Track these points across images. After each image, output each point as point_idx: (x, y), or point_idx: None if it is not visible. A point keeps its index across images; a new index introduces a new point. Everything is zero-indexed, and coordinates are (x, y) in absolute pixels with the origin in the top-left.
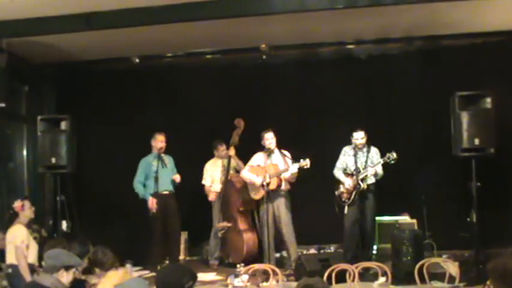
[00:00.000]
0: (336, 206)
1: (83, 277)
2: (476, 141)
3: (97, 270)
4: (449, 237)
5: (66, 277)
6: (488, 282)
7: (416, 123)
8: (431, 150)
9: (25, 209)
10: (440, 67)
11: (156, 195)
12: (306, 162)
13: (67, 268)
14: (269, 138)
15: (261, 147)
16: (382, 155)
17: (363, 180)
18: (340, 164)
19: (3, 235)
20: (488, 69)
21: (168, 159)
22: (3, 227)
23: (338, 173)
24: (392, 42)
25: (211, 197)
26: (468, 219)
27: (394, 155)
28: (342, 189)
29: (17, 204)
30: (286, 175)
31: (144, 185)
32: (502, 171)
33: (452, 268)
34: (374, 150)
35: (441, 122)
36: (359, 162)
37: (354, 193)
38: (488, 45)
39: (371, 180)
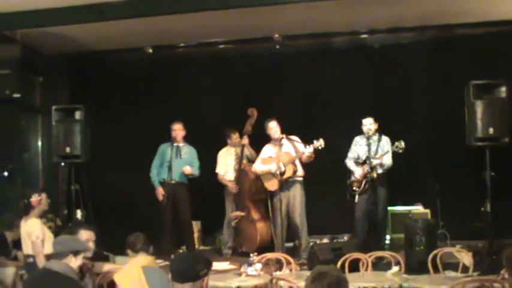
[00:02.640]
0: (348, 194)
1: (89, 263)
2: (491, 131)
3: (129, 251)
4: (463, 227)
5: (74, 262)
6: (502, 272)
7: (430, 113)
8: (444, 140)
9: (42, 203)
10: (454, 56)
11: (165, 183)
12: (320, 143)
13: (75, 253)
14: (273, 127)
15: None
16: (393, 144)
17: (372, 169)
18: (351, 154)
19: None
20: (503, 58)
21: (188, 150)
22: (19, 217)
23: (349, 162)
24: (405, 32)
25: (232, 188)
26: (482, 209)
27: (402, 143)
28: (353, 178)
29: (35, 198)
30: (303, 158)
31: (159, 172)
32: None
33: (465, 258)
34: (385, 139)
35: (455, 111)
36: (371, 151)
37: (364, 182)
38: (503, 34)
39: (379, 170)
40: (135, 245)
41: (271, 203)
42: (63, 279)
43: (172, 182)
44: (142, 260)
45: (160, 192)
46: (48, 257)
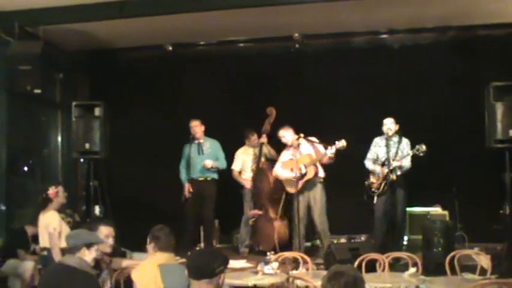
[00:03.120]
0: (365, 195)
1: (107, 258)
2: (511, 133)
3: (150, 245)
4: (481, 230)
5: (88, 255)
6: None
7: (449, 114)
8: (464, 142)
9: (59, 195)
10: (475, 57)
11: (191, 181)
12: (342, 143)
13: (88, 246)
14: (282, 137)
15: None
16: (413, 147)
17: (392, 171)
18: (370, 155)
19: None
20: None
21: (210, 144)
22: (38, 212)
23: (368, 163)
24: (425, 32)
25: (247, 184)
26: (501, 211)
27: (424, 147)
28: (371, 179)
29: (52, 190)
30: (324, 159)
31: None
32: None
33: (483, 260)
34: (405, 142)
35: (474, 113)
36: (390, 153)
37: (383, 183)
38: None
39: (398, 172)
40: (159, 240)
41: (290, 202)
42: (79, 274)
43: (200, 179)
44: (160, 257)
45: (187, 189)
46: (63, 252)
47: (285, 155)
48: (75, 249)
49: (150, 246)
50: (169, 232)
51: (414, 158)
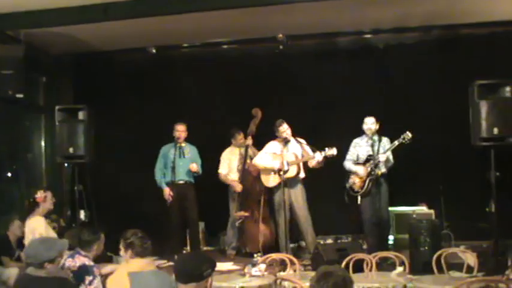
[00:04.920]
0: (347, 197)
1: (92, 263)
2: (496, 131)
3: (126, 253)
4: (468, 228)
5: (54, 267)
6: (507, 272)
7: (434, 113)
8: (449, 140)
9: (47, 201)
10: (459, 56)
11: (172, 184)
12: (332, 152)
13: (51, 261)
14: (285, 130)
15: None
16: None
17: (377, 165)
18: (350, 156)
19: (20, 223)
20: (508, 58)
21: (190, 149)
22: (23, 217)
23: (348, 164)
24: (410, 32)
25: (237, 188)
26: (487, 209)
27: (409, 134)
28: (352, 179)
29: (40, 195)
30: (312, 163)
31: (165, 174)
32: None
33: (470, 258)
34: (385, 139)
35: (459, 111)
36: (373, 150)
37: (367, 181)
38: (508, 34)
39: (383, 168)
40: (134, 247)
41: (269, 201)
42: (49, 282)
43: (180, 182)
44: (134, 264)
45: (167, 193)
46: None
47: (272, 146)
48: (38, 266)
49: (126, 254)
50: (142, 236)
51: (400, 156)
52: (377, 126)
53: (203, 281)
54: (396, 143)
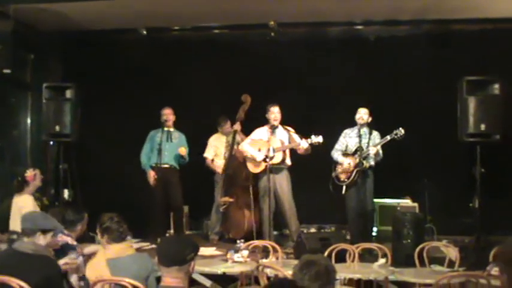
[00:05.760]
0: (331, 186)
1: (75, 243)
2: (482, 127)
3: (102, 238)
4: (451, 222)
5: (43, 240)
6: (488, 268)
7: (423, 107)
8: (436, 134)
9: (36, 179)
10: (449, 51)
11: (156, 168)
12: (318, 140)
13: (44, 232)
14: (274, 112)
15: (266, 124)
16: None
17: (365, 158)
18: (339, 146)
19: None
20: (498, 55)
21: (178, 135)
22: (8, 194)
23: (336, 154)
24: (401, 25)
25: (219, 170)
26: (470, 204)
27: (402, 131)
28: (339, 169)
29: (30, 173)
30: (300, 150)
31: (150, 158)
32: (506, 158)
33: (452, 253)
34: (375, 133)
35: (448, 106)
36: (362, 142)
37: (354, 172)
38: (498, 31)
39: (372, 161)
40: (112, 232)
41: (256, 187)
42: (34, 259)
43: (165, 166)
44: (112, 250)
45: (151, 175)
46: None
47: (259, 132)
48: (30, 232)
49: (103, 239)
50: (118, 220)
51: (387, 148)
52: (370, 119)
53: (186, 265)
54: (388, 137)
